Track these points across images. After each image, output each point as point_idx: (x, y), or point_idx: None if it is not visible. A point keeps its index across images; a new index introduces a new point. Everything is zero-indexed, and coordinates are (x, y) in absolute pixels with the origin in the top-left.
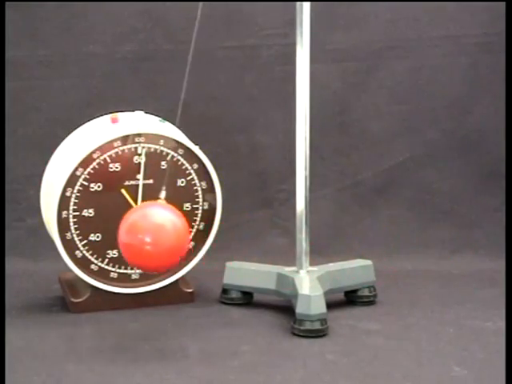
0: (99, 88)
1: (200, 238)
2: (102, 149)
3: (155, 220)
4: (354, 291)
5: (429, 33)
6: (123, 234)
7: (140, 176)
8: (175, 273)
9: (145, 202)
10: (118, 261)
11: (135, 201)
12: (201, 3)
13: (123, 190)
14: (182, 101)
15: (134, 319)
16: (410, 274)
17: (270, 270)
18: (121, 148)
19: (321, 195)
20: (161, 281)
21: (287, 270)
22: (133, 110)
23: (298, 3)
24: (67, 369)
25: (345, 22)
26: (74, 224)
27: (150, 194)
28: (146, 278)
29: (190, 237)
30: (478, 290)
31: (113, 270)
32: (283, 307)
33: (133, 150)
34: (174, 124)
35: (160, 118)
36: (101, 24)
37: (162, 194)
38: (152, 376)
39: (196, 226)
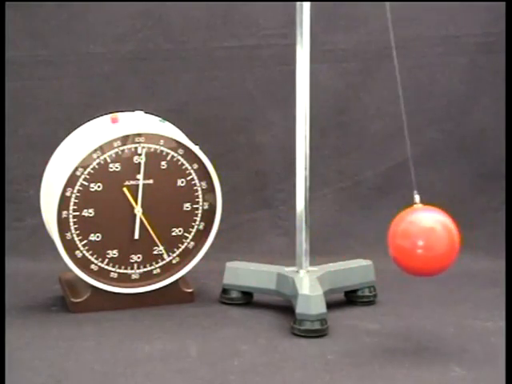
0: (99, 88)
1: (200, 238)
2: (102, 149)
3: (427, 224)
4: (354, 291)
5: (429, 33)
6: (398, 238)
7: (140, 176)
8: (175, 273)
9: (411, 208)
10: (118, 261)
11: (135, 201)
12: None
13: (125, 189)
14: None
15: (133, 319)
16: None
17: (270, 270)
18: (121, 148)
19: (321, 195)
20: (161, 281)
21: (287, 269)
22: (133, 110)
23: (298, 3)
24: (67, 369)
25: (345, 22)
26: (74, 224)
27: (150, 194)
28: (145, 277)
29: (191, 236)
30: (478, 289)
31: (113, 270)
32: (283, 307)
33: (133, 149)
34: (177, 126)
35: (160, 118)
36: (101, 24)
37: (417, 199)
38: (152, 376)
39: (196, 226)
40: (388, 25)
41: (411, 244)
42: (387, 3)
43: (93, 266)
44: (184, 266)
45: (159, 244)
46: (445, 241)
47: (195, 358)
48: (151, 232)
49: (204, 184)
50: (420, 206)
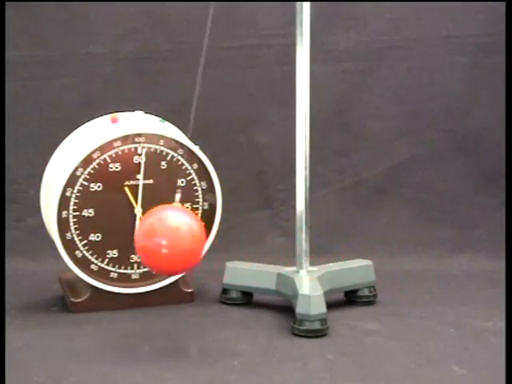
0: (99, 88)
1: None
2: (102, 149)
3: (172, 223)
4: (354, 291)
5: (429, 33)
6: (141, 238)
7: (140, 176)
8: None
9: (160, 206)
10: (118, 261)
11: (135, 201)
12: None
13: (126, 188)
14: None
15: (133, 319)
16: (410, 274)
17: (270, 270)
18: (121, 148)
19: (321, 195)
20: (161, 281)
21: (287, 269)
22: (133, 110)
23: (298, 3)
24: (67, 369)
25: (345, 22)
26: (74, 224)
27: (150, 194)
28: (146, 277)
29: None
30: (478, 290)
31: (113, 270)
32: (283, 307)
33: (133, 149)
34: (177, 126)
35: (160, 118)
36: (101, 24)
37: (177, 197)
38: (152, 376)
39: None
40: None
41: (155, 243)
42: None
43: (93, 266)
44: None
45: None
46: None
47: (195, 358)
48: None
49: (204, 184)
50: (178, 205)
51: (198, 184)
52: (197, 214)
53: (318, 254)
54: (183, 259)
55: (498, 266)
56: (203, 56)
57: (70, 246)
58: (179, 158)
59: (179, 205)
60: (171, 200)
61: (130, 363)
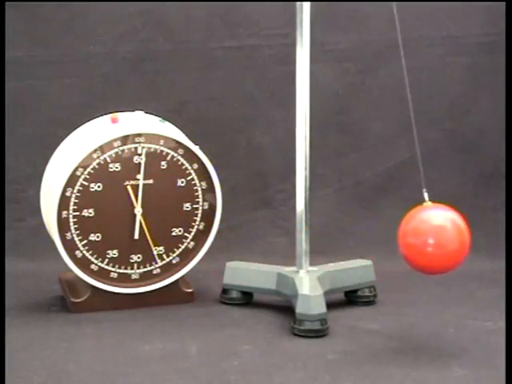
0: (99, 88)
1: (200, 238)
2: (102, 149)
3: (437, 222)
4: (354, 291)
5: (429, 33)
6: (408, 236)
7: (140, 176)
8: (175, 273)
9: (421, 206)
10: (118, 261)
11: (135, 201)
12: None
13: (129, 187)
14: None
15: (133, 319)
16: (410, 274)
17: (270, 270)
18: (121, 148)
19: (321, 195)
20: (161, 281)
21: (287, 269)
22: (133, 110)
23: (298, 3)
24: (67, 369)
25: (345, 22)
26: (74, 224)
27: (150, 194)
28: (146, 277)
29: (191, 236)
30: (478, 290)
31: (113, 270)
32: (283, 307)
33: (133, 150)
34: (177, 126)
35: (160, 118)
36: (101, 24)
37: (426, 196)
38: (152, 376)
39: (196, 226)
40: (392, 24)
41: (422, 242)
42: (394, 3)
43: (93, 266)
44: (184, 266)
45: (152, 246)
46: (455, 238)
47: (195, 358)
48: (147, 233)
49: (204, 184)
50: (429, 204)
51: (197, 184)
52: (197, 214)
53: (318, 254)
54: (451, 258)
55: (498, 266)
56: None
57: (70, 246)
58: (179, 158)
59: (430, 203)
60: (172, 200)
61: (130, 363)
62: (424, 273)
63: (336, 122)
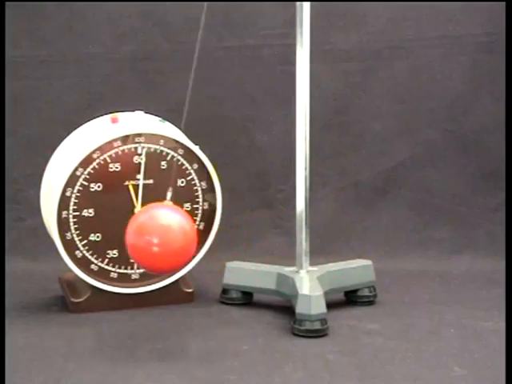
0: (99, 88)
1: (200, 238)
2: (102, 149)
3: (163, 222)
4: (354, 291)
5: (429, 33)
6: (131, 236)
7: (140, 176)
8: (175, 273)
9: (151, 204)
10: (118, 261)
11: (136, 200)
12: (205, 4)
13: (130, 187)
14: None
15: (134, 319)
16: (410, 274)
17: (270, 270)
18: (121, 148)
19: (321, 195)
20: (161, 281)
21: (287, 269)
22: (133, 110)
23: (298, 3)
24: (67, 369)
25: (345, 22)
26: (74, 224)
27: (151, 194)
28: (146, 277)
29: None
30: (478, 290)
31: (113, 270)
32: (283, 307)
33: (133, 149)
34: (177, 126)
35: (160, 118)
36: (101, 24)
37: (168, 196)
38: (152, 376)
39: (196, 226)
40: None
41: (146, 242)
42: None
43: (93, 266)
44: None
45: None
46: (180, 238)
47: (195, 358)
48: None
49: (204, 184)
50: (170, 203)
51: (197, 184)
52: (197, 214)
53: (318, 254)
54: (174, 258)
55: (498, 266)
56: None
57: (70, 246)
58: (179, 157)
59: (170, 203)
60: (172, 200)
61: (129, 363)
62: (150, 271)
63: (336, 122)
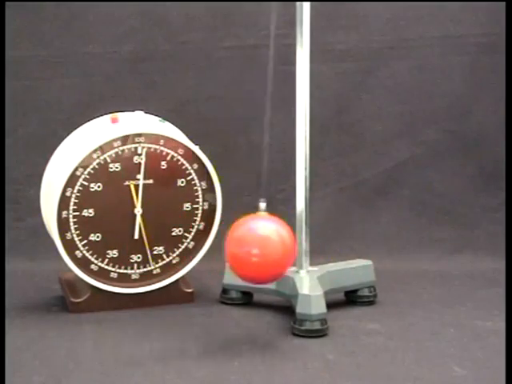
0: (99, 88)
1: (200, 237)
2: (102, 149)
3: (262, 233)
4: (354, 291)
5: (429, 33)
6: (232, 246)
7: (140, 176)
8: (175, 273)
9: (249, 216)
10: (118, 261)
11: (136, 200)
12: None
13: (132, 186)
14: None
15: (133, 319)
16: (410, 274)
17: None
18: (121, 148)
19: (321, 195)
20: (161, 281)
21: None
22: (133, 110)
23: (298, 3)
24: (67, 369)
25: (345, 22)
26: (74, 224)
27: (150, 194)
28: (145, 277)
29: (191, 236)
30: (478, 290)
31: (113, 270)
32: (283, 307)
33: (133, 150)
34: (177, 126)
35: (160, 118)
36: (101, 24)
37: (263, 206)
38: (152, 376)
39: (196, 226)
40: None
41: (246, 252)
42: None
43: (93, 266)
44: (184, 266)
45: (147, 248)
46: (279, 249)
47: (195, 358)
48: (145, 234)
49: (204, 184)
50: (264, 214)
51: (198, 184)
52: (197, 214)
53: (318, 254)
54: (273, 268)
55: (498, 266)
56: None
57: (70, 246)
58: (179, 157)
59: (265, 213)
60: (172, 200)
61: (130, 363)
62: (249, 282)
63: (336, 122)
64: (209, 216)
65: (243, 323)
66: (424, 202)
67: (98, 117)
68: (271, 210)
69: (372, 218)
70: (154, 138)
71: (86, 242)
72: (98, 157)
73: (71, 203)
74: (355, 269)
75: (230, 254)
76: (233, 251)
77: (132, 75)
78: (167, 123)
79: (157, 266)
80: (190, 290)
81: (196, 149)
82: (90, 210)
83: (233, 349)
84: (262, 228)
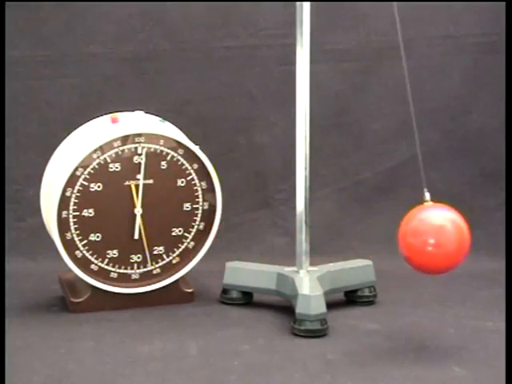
0: (99, 88)
1: (200, 237)
2: (102, 149)
3: (437, 222)
4: (354, 291)
5: (429, 33)
6: (408, 236)
7: (140, 176)
8: (175, 273)
9: (421, 206)
10: (118, 261)
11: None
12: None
13: (133, 186)
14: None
15: (133, 319)
16: (409, 274)
17: (270, 270)
18: (121, 148)
19: (321, 195)
20: (161, 281)
21: (287, 269)
22: (133, 110)
23: (298, 3)
24: (67, 369)
25: (345, 22)
26: (74, 224)
27: (150, 194)
28: (146, 277)
29: (191, 236)
30: (478, 290)
31: (113, 270)
32: (283, 307)
33: (133, 150)
34: (177, 126)
35: (160, 118)
36: (101, 24)
37: (427, 196)
38: (152, 376)
39: (196, 226)
40: (392, 24)
41: (422, 242)
42: (394, 3)
43: (93, 266)
44: (184, 266)
45: (146, 249)
46: (455, 238)
47: (195, 358)
48: (145, 234)
49: (204, 184)
50: (430, 203)
51: (198, 184)
52: (197, 214)
53: (318, 254)
54: (451, 258)
55: (498, 266)
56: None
57: (70, 246)
58: (179, 157)
59: (431, 203)
60: (172, 200)
61: (129, 363)
62: (425, 273)
63: (336, 122)
64: (209, 216)
65: (243, 323)
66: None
67: (97, 117)
68: (271, 209)
69: (372, 218)
70: (154, 138)
71: (85, 242)
72: (98, 157)
73: (71, 203)
74: (355, 269)
75: (405, 244)
76: (409, 241)
77: (132, 75)
78: (167, 123)
79: (157, 266)
80: (190, 290)
81: (196, 149)
82: (90, 210)
83: (233, 349)
84: (435, 217)
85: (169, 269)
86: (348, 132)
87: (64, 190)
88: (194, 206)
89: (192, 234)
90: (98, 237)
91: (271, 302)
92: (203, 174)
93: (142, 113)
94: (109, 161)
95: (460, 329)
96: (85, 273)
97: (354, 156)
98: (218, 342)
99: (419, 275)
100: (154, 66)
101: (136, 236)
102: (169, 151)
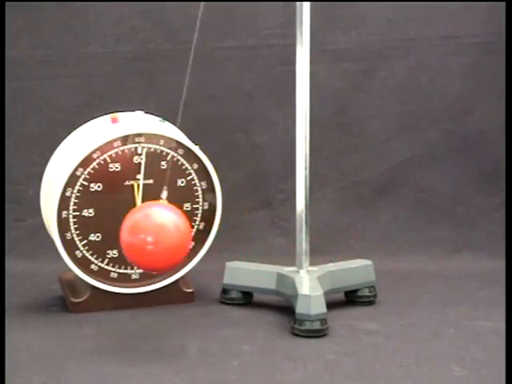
0: (99, 88)
1: (200, 238)
2: (102, 149)
3: (157, 220)
4: (354, 291)
5: (429, 33)
6: (125, 234)
7: (140, 176)
8: (175, 273)
9: (146, 202)
10: (118, 261)
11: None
12: (202, 3)
13: (135, 186)
14: (182, 102)
15: (133, 319)
16: (410, 274)
17: (270, 270)
18: (121, 148)
19: (321, 195)
20: (161, 281)
21: (287, 269)
22: (133, 110)
23: (298, 3)
24: (67, 369)
25: (345, 22)
26: (74, 224)
27: (150, 194)
28: (146, 277)
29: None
30: (478, 290)
31: (113, 270)
32: (283, 307)
33: (133, 150)
34: (174, 124)
35: (160, 118)
36: (101, 24)
37: (164, 194)
38: (152, 376)
39: (196, 226)
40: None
41: (141, 240)
42: None
43: (93, 266)
44: (184, 266)
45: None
46: (174, 237)
47: (195, 358)
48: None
49: (204, 184)
50: (164, 202)
51: (197, 184)
52: (197, 214)
53: (318, 254)
54: (168, 256)
55: (498, 266)
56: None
57: (70, 246)
58: (179, 157)
59: (165, 202)
60: (172, 200)
61: (130, 363)
62: (144, 270)
63: (336, 122)
64: (209, 216)
65: (243, 323)
66: (424, 202)
67: (98, 117)
68: (271, 209)
69: (372, 218)
70: (154, 138)
71: (85, 241)
72: (98, 157)
73: (71, 203)
74: (355, 269)
75: (124, 242)
76: (128, 240)
77: (132, 75)
78: (167, 123)
79: None
80: (190, 290)
81: (196, 149)
82: (90, 210)
83: (233, 349)
84: (157, 215)
85: None
86: (348, 132)
87: (64, 190)
88: (194, 206)
89: (192, 233)
90: (97, 237)
91: (271, 301)
92: (203, 174)
93: (141, 113)
94: (109, 161)
95: (460, 329)
96: (85, 273)
97: (353, 156)
98: (218, 342)
99: (419, 275)
100: (154, 66)
101: None
102: (169, 151)
